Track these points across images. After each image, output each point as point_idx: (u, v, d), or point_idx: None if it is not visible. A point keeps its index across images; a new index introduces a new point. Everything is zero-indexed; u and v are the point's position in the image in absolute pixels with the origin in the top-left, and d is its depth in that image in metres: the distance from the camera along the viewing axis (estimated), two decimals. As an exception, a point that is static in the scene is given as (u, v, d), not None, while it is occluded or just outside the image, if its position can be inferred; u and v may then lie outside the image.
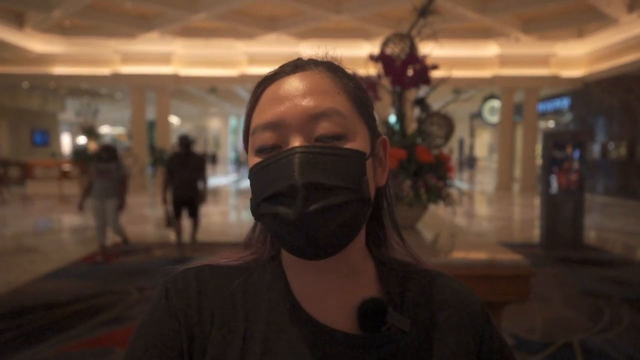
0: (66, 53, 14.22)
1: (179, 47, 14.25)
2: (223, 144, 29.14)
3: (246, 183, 5.93)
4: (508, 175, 14.99)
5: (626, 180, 12.46)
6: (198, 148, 24.83)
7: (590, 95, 14.08)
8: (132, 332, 0.54)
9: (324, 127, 0.50)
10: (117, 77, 14.55)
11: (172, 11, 11.34)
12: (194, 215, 5.62)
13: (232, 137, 29.48)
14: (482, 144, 23.95)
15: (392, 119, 2.55)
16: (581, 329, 3.44)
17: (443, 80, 2.51)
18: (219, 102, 22.22)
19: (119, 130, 30.94)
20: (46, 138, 20.16)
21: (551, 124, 16.92)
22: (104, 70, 14.55)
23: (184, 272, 0.57)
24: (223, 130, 29.21)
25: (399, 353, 0.52)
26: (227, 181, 18.29)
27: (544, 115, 16.79)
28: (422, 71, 2.41)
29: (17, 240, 6.79)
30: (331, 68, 0.56)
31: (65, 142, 26.06)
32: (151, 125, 20.11)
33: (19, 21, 12.13)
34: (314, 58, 0.57)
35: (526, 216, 9.86)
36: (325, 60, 0.58)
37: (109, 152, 5.30)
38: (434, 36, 2.56)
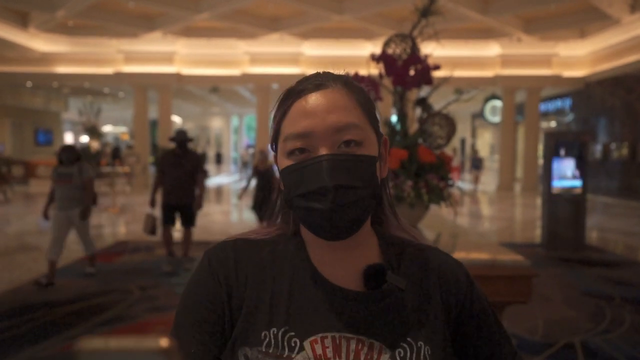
0: (69, 52, 14.26)
1: (182, 46, 14.27)
2: (225, 143, 29.12)
3: (246, 183, 5.77)
4: (509, 176, 14.97)
5: (628, 180, 12.43)
6: (200, 147, 24.80)
7: (592, 95, 14.04)
8: (182, 292, 0.67)
9: (345, 136, 0.62)
10: (119, 77, 14.58)
11: (174, 11, 11.36)
12: (188, 223, 4.95)
13: (234, 136, 29.49)
14: (484, 144, 23.91)
15: (394, 119, 2.55)
16: (582, 330, 3.44)
17: (445, 81, 2.51)
18: (221, 102, 22.23)
19: (121, 130, 30.98)
20: (49, 137, 20.21)
21: (553, 124, 16.88)
22: (107, 70, 14.59)
23: (223, 243, 0.69)
24: (225, 129, 29.19)
25: (397, 305, 0.64)
26: (229, 180, 18.31)
27: (545, 115, 16.76)
28: (424, 71, 2.41)
29: (20, 238, 6.81)
30: (347, 84, 0.66)
31: (68, 141, 26.13)
32: (153, 125, 20.11)
33: (23, 21, 12.17)
34: (330, 73, 0.68)
35: (528, 216, 9.84)
36: (340, 75, 0.68)
37: (69, 154, 4.51)
38: (435, 36, 2.57)
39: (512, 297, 1.85)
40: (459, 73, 12.43)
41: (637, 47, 11.64)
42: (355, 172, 0.61)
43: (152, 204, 4.98)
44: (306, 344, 0.59)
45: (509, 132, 14.96)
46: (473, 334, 0.67)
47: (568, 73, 14.20)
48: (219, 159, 23.74)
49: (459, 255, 1.98)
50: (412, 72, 2.44)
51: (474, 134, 25.09)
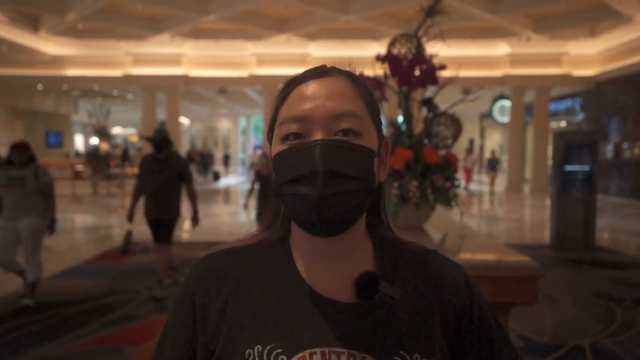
0: (79, 55, 14.43)
1: (189, 48, 14.36)
2: (233, 144, 29.25)
3: (250, 186, 5.45)
4: (518, 176, 14.85)
5: (640, 181, 12.27)
6: (204, 149, 24.86)
7: (602, 94, 13.88)
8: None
9: (344, 125, 0.58)
10: (128, 79, 14.72)
11: (182, 13, 11.45)
12: (163, 240, 4.09)
13: (241, 137, 29.60)
14: (492, 144, 23.74)
15: (400, 119, 2.54)
16: (592, 332, 3.39)
17: (451, 80, 2.50)
18: (228, 103, 22.33)
19: (130, 131, 31.27)
20: (60, 139, 20.46)
21: (563, 124, 16.72)
22: (116, 72, 14.73)
23: (205, 260, 0.67)
24: (233, 131, 29.32)
25: (391, 315, 0.60)
26: (236, 181, 18.38)
27: (555, 115, 16.60)
28: (429, 71, 2.40)
29: (30, 239, 6.89)
30: (351, 77, 0.64)
31: (79, 143, 26.41)
32: (162, 126, 20.28)
33: (34, 25, 12.34)
34: (337, 67, 0.65)
35: (536, 217, 9.75)
36: (346, 70, 0.65)
37: (20, 153, 3.77)
38: (441, 36, 2.55)
39: (518, 298, 1.83)
40: (467, 73, 12.38)
41: (648, 45, 11.50)
42: (350, 161, 0.57)
43: (130, 218, 4.15)
44: None
45: (517, 133, 14.84)
46: (472, 341, 0.64)
47: (578, 72, 14.05)
48: (226, 160, 23.81)
49: (464, 256, 1.97)
50: (417, 72, 2.43)
51: (482, 135, 24.94)
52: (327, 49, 14.08)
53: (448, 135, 2.42)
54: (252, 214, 9.67)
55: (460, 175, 3.00)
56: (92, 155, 15.62)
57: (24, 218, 3.75)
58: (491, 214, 10.30)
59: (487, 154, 23.64)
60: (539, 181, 14.54)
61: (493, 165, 15.03)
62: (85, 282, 4.57)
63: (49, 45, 13.65)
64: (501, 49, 14.05)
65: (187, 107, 23.37)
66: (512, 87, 14.52)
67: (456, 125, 2.46)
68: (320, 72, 0.63)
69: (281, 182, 0.59)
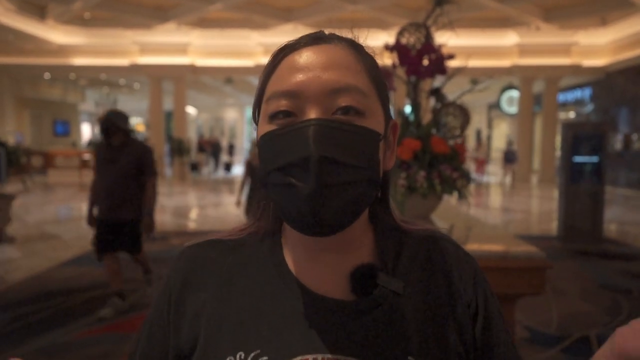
0: (86, 44, 14.43)
1: (196, 37, 14.31)
2: (239, 134, 29.29)
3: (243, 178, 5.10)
4: (527, 167, 14.74)
5: (649, 172, 12.14)
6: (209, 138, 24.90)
7: (613, 85, 13.69)
8: None
9: (344, 101, 0.49)
10: (135, 68, 14.72)
11: (188, 2, 11.39)
12: (130, 249, 3.46)
13: (248, 127, 29.61)
14: (500, 135, 23.56)
15: (408, 109, 2.53)
16: (599, 323, 3.39)
17: (459, 70, 2.47)
18: (235, 93, 22.31)
19: (137, 121, 31.37)
20: (67, 128, 20.58)
21: (572, 114, 16.53)
22: (123, 61, 14.73)
23: (190, 248, 0.60)
24: (239, 120, 29.33)
25: (394, 314, 0.51)
26: (242, 171, 18.39)
27: (564, 105, 16.41)
28: (438, 61, 2.38)
29: (39, 227, 6.97)
30: (354, 45, 0.54)
31: (85, 132, 26.55)
32: (168, 116, 20.31)
33: (40, 13, 12.34)
34: (336, 33, 0.55)
35: (544, 208, 9.70)
36: (348, 37, 0.55)
37: None
38: (450, 25, 2.52)
39: (525, 289, 1.83)
40: (476, 63, 12.24)
41: (661, 34, 11.30)
42: (350, 145, 0.47)
43: (90, 220, 3.41)
44: None
45: (526, 123, 14.70)
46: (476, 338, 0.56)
47: (588, 62, 13.85)
48: (231, 150, 23.80)
49: (472, 246, 1.96)
50: (426, 62, 2.41)
51: (490, 125, 24.74)
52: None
53: (456, 126, 2.41)
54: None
55: (471, 167, 2.95)
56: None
57: None
58: (498, 205, 10.26)
59: (495, 144, 23.50)
60: (547, 172, 14.43)
61: (510, 157, 14.42)
62: (92, 270, 4.62)
63: (55, 34, 13.66)
64: (510, 38, 13.86)
65: (194, 97, 23.38)
66: (521, 77, 14.36)
67: (464, 116, 2.44)
68: (316, 37, 0.53)
69: (268, 170, 0.49)
